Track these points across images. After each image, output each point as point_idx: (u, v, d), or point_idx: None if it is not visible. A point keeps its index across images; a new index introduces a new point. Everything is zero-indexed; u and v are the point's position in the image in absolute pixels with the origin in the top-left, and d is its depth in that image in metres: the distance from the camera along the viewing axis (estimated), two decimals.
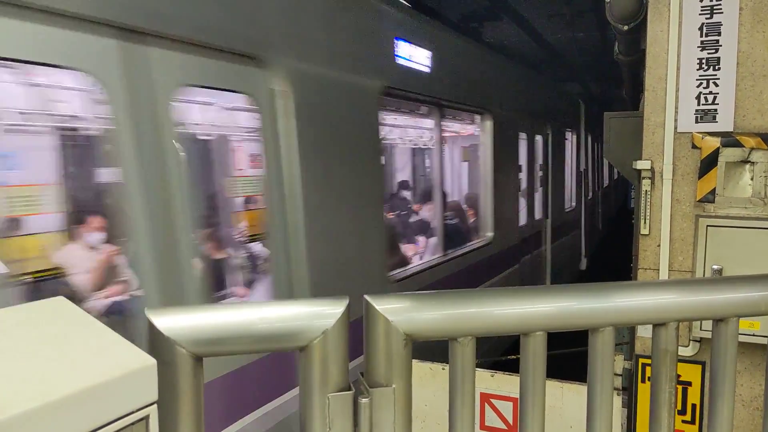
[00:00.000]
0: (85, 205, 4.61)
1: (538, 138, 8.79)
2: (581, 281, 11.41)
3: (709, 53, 2.90)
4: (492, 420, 3.18)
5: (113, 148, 2.52)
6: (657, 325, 1.26)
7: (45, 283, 4.29)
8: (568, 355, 3.66)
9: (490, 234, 6.67)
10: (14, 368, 0.78)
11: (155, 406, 0.87)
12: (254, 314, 1.03)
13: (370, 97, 4.37)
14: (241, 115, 5.00)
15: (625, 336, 3.89)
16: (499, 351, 6.46)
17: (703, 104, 2.93)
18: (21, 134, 4.47)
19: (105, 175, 3.49)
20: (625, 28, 3.37)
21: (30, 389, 0.75)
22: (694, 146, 2.95)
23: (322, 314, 1.03)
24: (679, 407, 2.90)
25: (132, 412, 0.83)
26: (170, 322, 0.95)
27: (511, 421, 3.14)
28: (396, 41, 4.78)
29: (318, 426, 1.04)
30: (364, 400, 1.05)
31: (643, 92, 3.14)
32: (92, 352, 0.86)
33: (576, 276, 11.48)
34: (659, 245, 3.04)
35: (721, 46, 2.88)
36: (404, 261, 5.57)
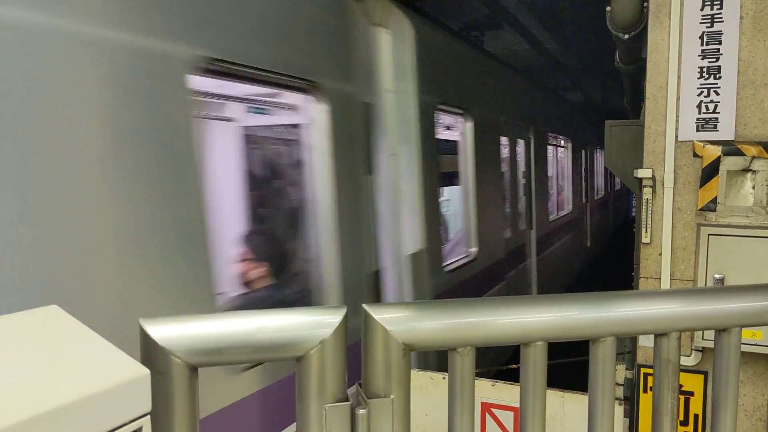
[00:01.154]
0: None
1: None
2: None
3: (709, 62, 2.90)
4: (493, 430, 3.16)
5: None
6: (659, 335, 1.24)
7: None
8: (569, 364, 3.64)
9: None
10: (5, 378, 0.77)
11: (148, 417, 0.86)
12: (251, 323, 1.02)
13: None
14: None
15: (627, 345, 3.87)
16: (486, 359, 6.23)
17: (704, 113, 2.92)
18: None
19: None
20: (626, 36, 3.37)
21: (21, 400, 0.73)
22: (695, 155, 2.94)
23: (319, 324, 1.02)
24: (682, 417, 2.87)
25: (125, 424, 0.81)
26: (165, 331, 0.94)
27: (512, 431, 3.12)
28: None
29: None
30: (361, 411, 1.04)
31: (644, 101, 3.14)
32: (85, 361, 0.84)
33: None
34: (660, 254, 3.03)
35: (721, 54, 2.87)
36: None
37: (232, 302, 3.67)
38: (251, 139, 4.77)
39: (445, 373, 2.99)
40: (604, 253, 15.36)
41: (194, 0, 2.70)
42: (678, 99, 2.96)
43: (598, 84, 13.86)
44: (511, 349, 6.29)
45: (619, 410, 3.03)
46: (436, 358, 4.26)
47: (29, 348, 0.84)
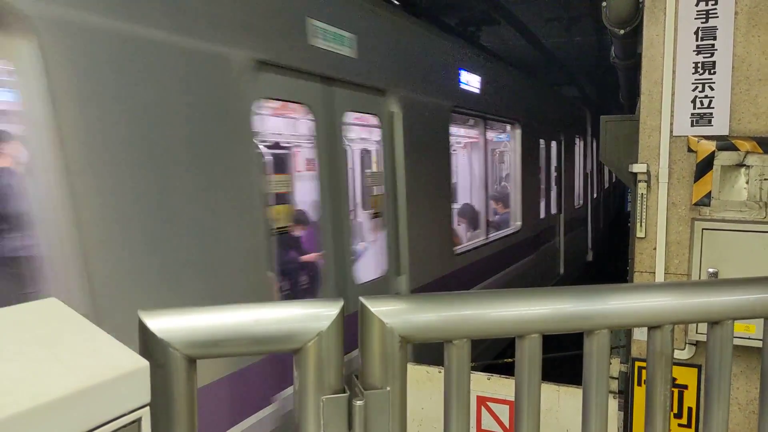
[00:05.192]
0: None
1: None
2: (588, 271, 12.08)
3: (704, 57, 2.91)
4: (489, 423, 3.18)
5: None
6: (652, 328, 1.26)
7: None
8: (564, 358, 3.66)
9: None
10: (5, 370, 0.77)
11: (147, 408, 0.86)
12: (249, 316, 1.03)
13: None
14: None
15: (621, 339, 3.89)
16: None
17: (698, 108, 2.93)
18: None
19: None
20: (621, 32, 3.38)
21: (21, 391, 0.74)
22: (689, 150, 2.96)
23: (316, 316, 1.03)
24: (676, 410, 2.90)
25: (124, 415, 0.82)
26: (163, 323, 0.94)
27: (507, 425, 3.13)
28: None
29: (312, 428, 1.03)
30: (358, 403, 1.05)
31: (639, 96, 3.15)
32: (84, 353, 0.85)
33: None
34: (655, 248, 3.05)
35: (716, 50, 2.89)
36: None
37: None
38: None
39: (440, 367, 3.00)
40: (623, 234, 16.08)
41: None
42: (673, 94, 2.97)
43: (606, 81, 14.08)
44: (497, 347, 6.78)
45: (613, 404, 3.05)
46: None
47: (29, 340, 0.85)
